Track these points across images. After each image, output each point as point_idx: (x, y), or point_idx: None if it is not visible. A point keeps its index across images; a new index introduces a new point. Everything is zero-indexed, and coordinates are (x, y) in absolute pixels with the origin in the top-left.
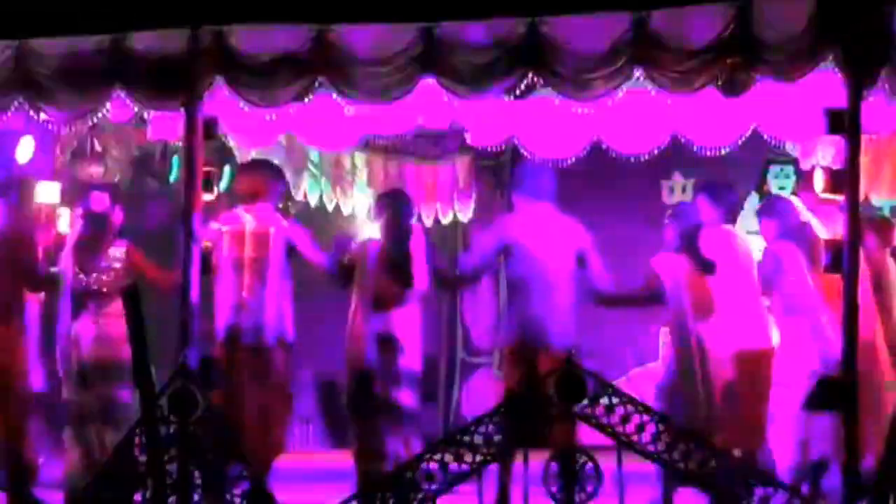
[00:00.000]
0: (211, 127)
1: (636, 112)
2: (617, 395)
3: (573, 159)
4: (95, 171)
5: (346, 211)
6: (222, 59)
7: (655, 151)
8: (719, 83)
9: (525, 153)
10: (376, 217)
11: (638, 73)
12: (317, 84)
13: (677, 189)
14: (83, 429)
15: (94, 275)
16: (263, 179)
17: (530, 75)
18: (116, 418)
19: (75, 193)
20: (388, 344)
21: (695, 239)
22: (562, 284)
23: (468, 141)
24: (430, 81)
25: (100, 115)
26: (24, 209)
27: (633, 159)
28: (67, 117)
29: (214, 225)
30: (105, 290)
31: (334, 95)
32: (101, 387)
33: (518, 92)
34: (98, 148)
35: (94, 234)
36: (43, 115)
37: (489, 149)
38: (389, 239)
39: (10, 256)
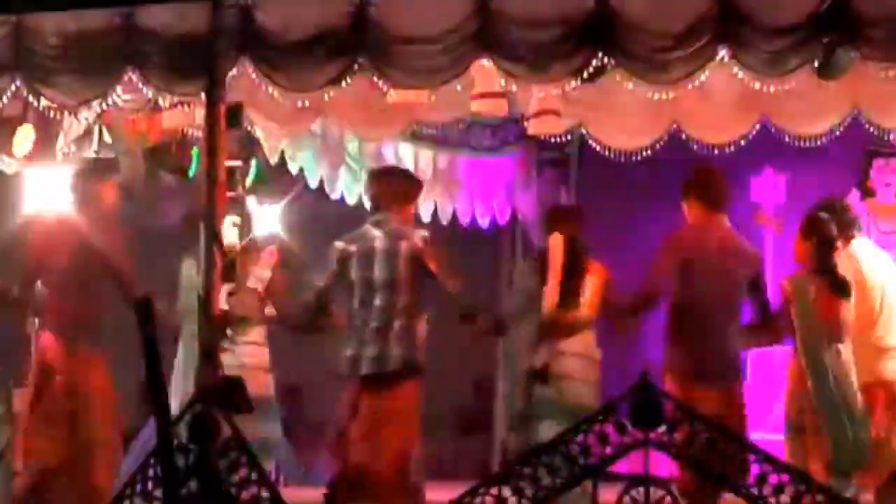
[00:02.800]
0: (235, 114)
1: (720, 96)
2: (700, 422)
3: (647, 151)
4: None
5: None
6: (248, 37)
7: (742, 142)
8: (815, 64)
9: (593, 144)
10: None
11: (722, 52)
12: (356, 66)
13: (768, 186)
14: None
15: (236, 296)
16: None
17: (600, 55)
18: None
19: None
20: None
21: (830, 258)
22: (737, 309)
23: (529, 130)
24: (484, 63)
25: (109, 100)
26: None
27: (716, 151)
28: (72, 103)
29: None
30: (242, 313)
31: (375, 78)
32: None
33: (586, 74)
34: (107, 138)
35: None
36: (44, 101)
37: (552, 139)
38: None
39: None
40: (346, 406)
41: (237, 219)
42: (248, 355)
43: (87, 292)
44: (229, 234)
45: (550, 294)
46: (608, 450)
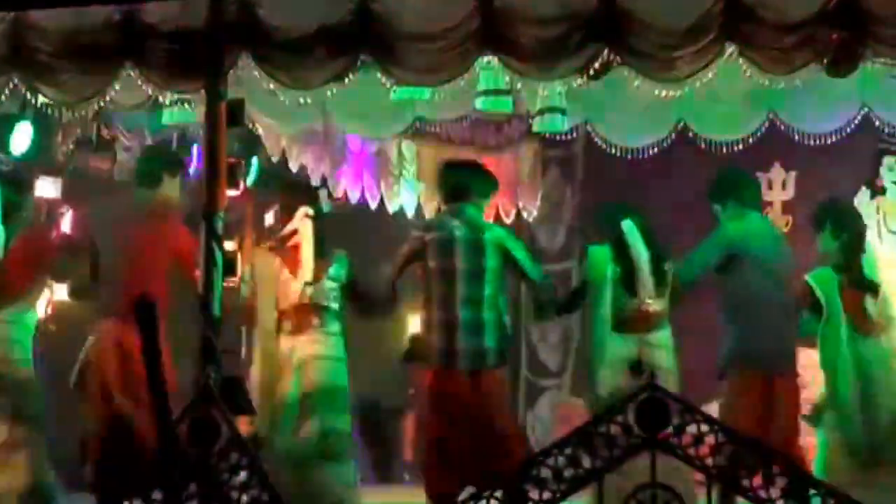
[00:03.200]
0: (236, 111)
1: (727, 94)
2: (707, 423)
3: (654, 149)
4: (102, 162)
5: (391, 209)
6: (249, 33)
7: (750, 139)
8: (823, 62)
9: (598, 141)
10: None
11: (730, 49)
12: (359, 62)
13: (777, 183)
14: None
15: (318, 284)
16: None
17: (605, 52)
18: (337, 453)
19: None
20: None
21: (857, 253)
22: (788, 300)
23: (534, 128)
24: (489, 59)
25: (108, 97)
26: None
27: (724, 148)
28: (70, 100)
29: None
30: (326, 303)
31: (379, 75)
32: (319, 418)
33: (592, 72)
34: (106, 136)
35: (322, 234)
36: (42, 98)
37: (558, 137)
38: None
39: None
40: (428, 396)
41: (310, 210)
42: (331, 345)
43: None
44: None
45: (643, 280)
46: (615, 452)
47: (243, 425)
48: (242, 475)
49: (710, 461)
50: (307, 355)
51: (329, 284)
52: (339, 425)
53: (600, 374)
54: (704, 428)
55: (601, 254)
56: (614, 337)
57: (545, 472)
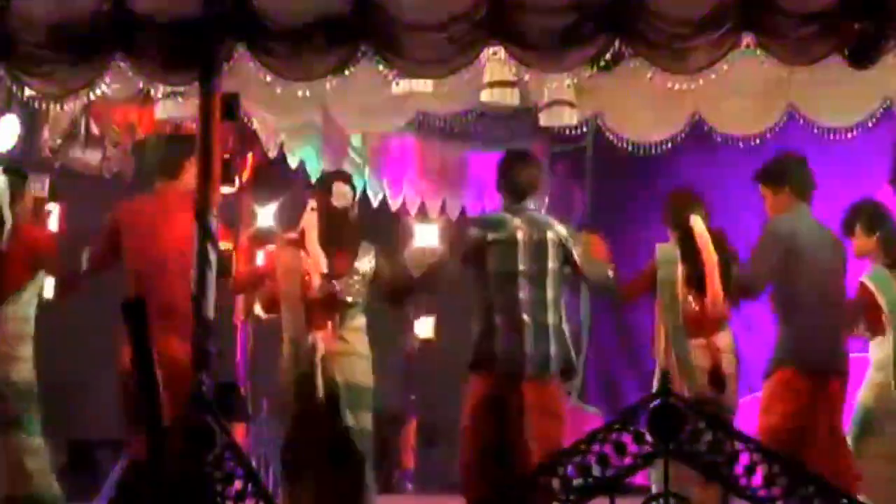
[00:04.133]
0: (231, 105)
1: (744, 86)
2: (722, 430)
3: (668, 144)
4: (91, 158)
5: (393, 206)
6: (245, 23)
7: (768, 134)
8: (845, 53)
9: (609, 136)
10: None
11: (746, 39)
12: (359, 53)
13: None
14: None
15: (344, 279)
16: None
17: (617, 43)
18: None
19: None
20: None
21: None
22: (840, 298)
23: (541, 122)
24: (495, 50)
25: (97, 90)
26: None
27: (740, 142)
28: (58, 93)
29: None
30: (351, 299)
31: (380, 67)
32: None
33: (602, 63)
34: (95, 131)
35: (338, 227)
36: (28, 91)
37: (566, 131)
38: None
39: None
40: (479, 403)
41: (314, 203)
42: (354, 342)
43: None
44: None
45: (711, 284)
46: (626, 460)
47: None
48: (237, 484)
49: (726, 471)
50: (329, 351)
51: (354, 278)
52: (360, 424)
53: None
54: (721, 435)
55: (670, 252)
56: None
57: (554, 482)
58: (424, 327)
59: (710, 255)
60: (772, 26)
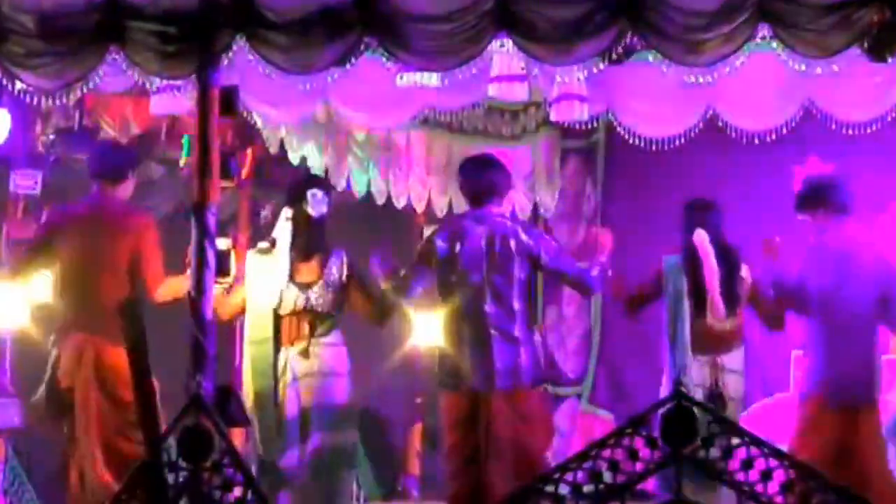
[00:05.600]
0: (230, 99)
1: (760, 80)
2: (737, 435)
3: (681, 139)
4: (85, 153)
5: (398, 204)
6: (244, 14)
7: (784, 129)
8: (864, 45)
9: (621, 131)
10: None
11: (763, 31)
12: (362, 46)
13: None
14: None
15: (315, 290)
16: None
17: (629, 35)
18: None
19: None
20: None
21: None
22: (875, 322)
23: (551, 117)
24: (503, 43)
25: (91, 84)
26: None
27: (756, 138)
28: (51, 87)
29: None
30: (322, 310)
31: (384, 60)
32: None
33: (614, 56)
34: (89, 125)
35: (312, 237)
36: (19, 84)
37: (577, 126)
38: None
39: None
40: (453, 417)
41: (289, 212)
42: (329, 358)
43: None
44: None
45: (713, 299)
46: (637, 466)
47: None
48: (237, 491)
49: (740, 477)
50: (301, 371)
51: (323, 288)
52: (338, 442)
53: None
54: (735, 441)
55: (676, 264)
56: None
57: (563, 488)
58: (427, 328)
59: (711, 272)
60: (789, 18)
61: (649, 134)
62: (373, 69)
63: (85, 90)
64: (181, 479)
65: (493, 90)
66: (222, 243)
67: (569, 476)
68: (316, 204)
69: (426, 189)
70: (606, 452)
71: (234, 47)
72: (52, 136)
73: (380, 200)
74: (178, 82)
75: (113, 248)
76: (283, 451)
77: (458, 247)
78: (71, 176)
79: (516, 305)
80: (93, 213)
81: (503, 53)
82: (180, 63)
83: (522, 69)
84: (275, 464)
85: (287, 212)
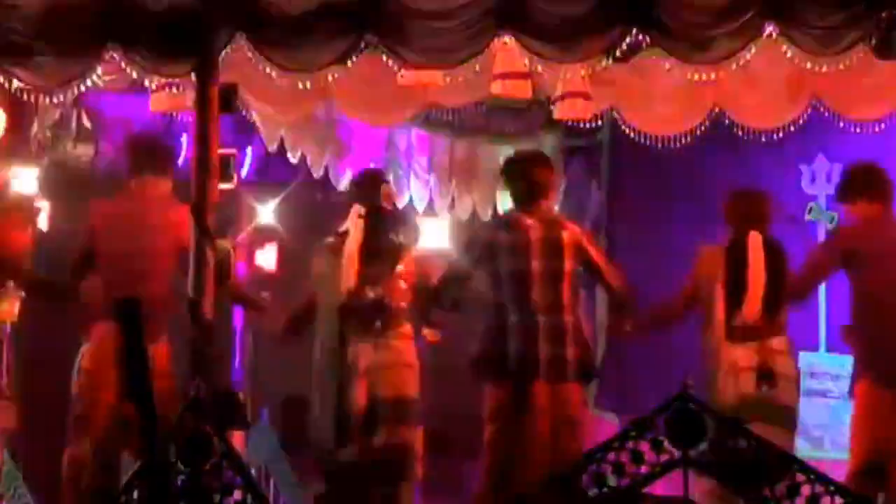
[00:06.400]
0: (229, 97)
1: (767, 77)
2: (746, 438)
3: (687, 138)
4: (83, 152)
5: (400, 203)
6: (244, 11)
7: (791, 127)
8: (872, 42)
9: (626, 130)
10: None
11: (769, 28)
12: (363, 43)
13: (820, 175)
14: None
15: (387, 284)
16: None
17: (634, 32)
18: (401, 469)
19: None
20: None
21: None
22: None
23: (555, 115)
24: (506, 40)
25: (89, 82)
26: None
27: (763, 136)
28: (48, 85)
29: None
30: (393, 304)
31: (385, 57)
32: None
33: (619, 53)
34: (86, 123)
35: (380, 233)
36: (16, 82)
37: (581, 125)
38: None
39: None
40: (494, 408)
41: (362, 209)
42: (400, 352)
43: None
44: None
45: (751, 302)
46: (643, 469)
47: None
48: (237, 495)
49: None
50: (372, 362)
51: (397, 283)
52: (405, 439)
53: (719, 383)
54: (744, 444)
55: (714, 255)
56: (730, 343)
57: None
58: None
59: (757, 277)
60: (795, 15)
61: (654, 132)
62: (374, 67)
63: (83, 88)
64: (180, 482)
65: (495, 88)
66: (223, 243)
67: (573, 479)
68: (388, 197)
69: (428, 188)
70: (611, 455)
71: (234, 45)
72: (48, 135)
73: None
74: (177, 80)
75: (157, 241)
76: (345, 444)
77: (508, 238)
78: (67, 174)
79: (565, 298)
80: (137, 206)
81: (506, 51)
82: (179, 61)
83: (526, 67)
84: (336, 458)
85: (358, 208)
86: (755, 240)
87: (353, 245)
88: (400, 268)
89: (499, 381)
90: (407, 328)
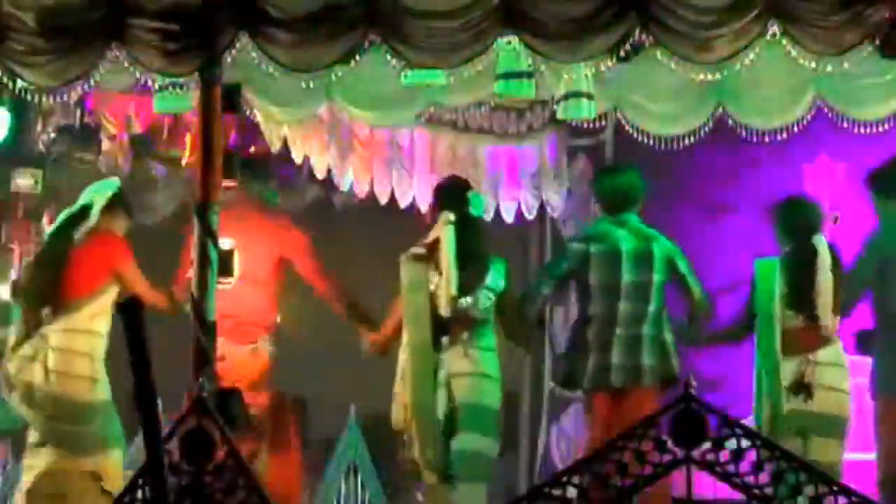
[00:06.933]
0: (233, 97)
1: (770, 77)
2: (748, 437)
3: (690, 138)
4: (86, 152)
5: (402, 203)
6: (247, 10)
7: (794, 127)
8: (875, 42)
9: (629, 130)
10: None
11: (773, 28)
12: (367, 43)
13: (824, 177)
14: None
15: (472, 295)
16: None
17: (637, 32)
18: (474, 477)
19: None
20: None
21: None
22: None
23: (558, 115)
24: (510, 40)
25: (93, 81)
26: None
27: (766, 137)
28: (51, 85)
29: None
30: (480, 315)
31: (389, 57)
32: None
33: (622, 53)
34: (90, 124)
35: (475, 240)
36: (20, 83)
37: (585, 125)
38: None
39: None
40: (598, 423)
41: (451, 215)
42: (484, 361)
43: None
44: None
45: (824, 309)
46: (646, 469)
47: None
48: (240, 495)
49: (751, 479)
50: (455, 372)
51: (485, 294)
52: (480, 447)
53: (783, 398)
54: (745, 443)
55: (770, 267)
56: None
57: (571, 492)
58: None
59: (826, 282)
60: (799, 15)
61: (658, 132)
62: (377, 67)
63: (87, 88)
64: (183, 483)
65: (498, 88)
66: (225, 243)
67: (576, 479)
68: (477, 206)
69: (430, 188)
70: (615, 455)
71: (238, 45)
72: (52, 135)
73: (383, 200)
74: (181, 80)
75: (258, 254)
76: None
77: (599, 249)
78: (72, 175)
79: (652, 306)
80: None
81: (509, 51)
82: (183, 61)
83: (529, 66)
84: (429, 461)
85: (448, 215)
86: (823, 246)
87: (447, 253)
88: (489, 279)
89: (598, 390)
90: (492, 339)
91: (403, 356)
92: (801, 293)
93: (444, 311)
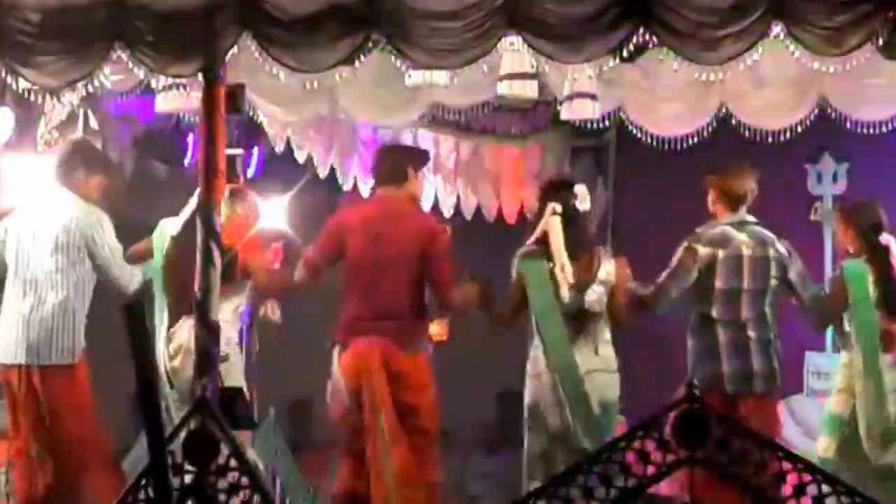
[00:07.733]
0: (236, 97)
1: (774, 77)
2: (751, 439)
3: (694, 138)
4: None
5: None
6: (250, 11)
7: (798, 128)
8: (879, 43)
9: (633, 130)
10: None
11: (776, 28)
12: (370, 43)
13: (827, 175)
14: None
15: (593, 288)
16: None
17: (640, 31)
18: None
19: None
20: None
21: None
22: None
23: (562, 115)
24: (513, 40)
25: (96, 82)
26: None
27: (770, 137)
28: (55, 85)
29: None
30: (598, 308)
31: (392, 57)
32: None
33: (625, 53)
34: (93, 124)
35: (583, 233)
36: (23, 83)
37: (588, 125)
38: None
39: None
40: None
41: (558, 206)
42: (608, 356)
43: None
44: None
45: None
46: (650, 469)
47: None
48: (243, 494)
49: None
50: (591, 368)
51: (597, 288)
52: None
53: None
54: (749, 444)
55: (859, 269)
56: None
57: (574, 492)
58: (435, 327)
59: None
60: (803, 15)
61: (661, 132)
62: (381, 67)
63: (90, 88)
64: (186, 483)
65: (502, 88)
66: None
67: (579, 479)
68: (583, 198)
69: (433, 189)
70: (618, 455)
71: (240, 45)
72: (55, 135)
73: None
74: (184, 80)
75: (403, 251)
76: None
77: (720, 253)
78: None
79: (768, 310)
80: (382, 215)
81: (513, 51)
82: (186, 61)
83: (532, 67)
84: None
85: (555, 207)
86: (887, 239)
87: (560, 246)
88: (600, 272)
89: (710, 394)
90: (608, 333)
91: (533, 353)
92: (886, 293)
93: (567, 300)
